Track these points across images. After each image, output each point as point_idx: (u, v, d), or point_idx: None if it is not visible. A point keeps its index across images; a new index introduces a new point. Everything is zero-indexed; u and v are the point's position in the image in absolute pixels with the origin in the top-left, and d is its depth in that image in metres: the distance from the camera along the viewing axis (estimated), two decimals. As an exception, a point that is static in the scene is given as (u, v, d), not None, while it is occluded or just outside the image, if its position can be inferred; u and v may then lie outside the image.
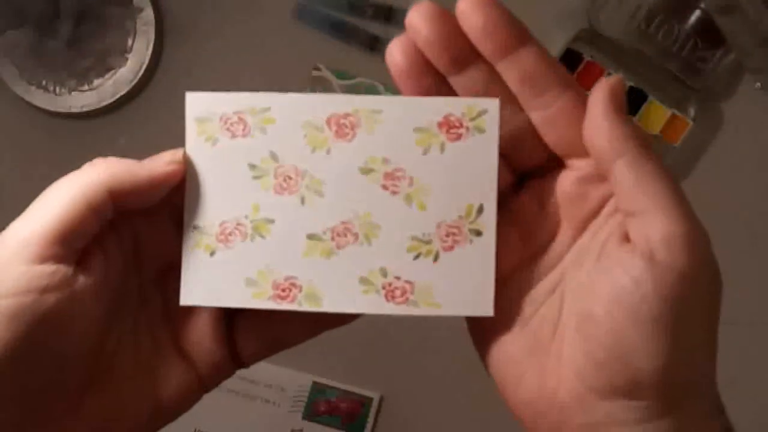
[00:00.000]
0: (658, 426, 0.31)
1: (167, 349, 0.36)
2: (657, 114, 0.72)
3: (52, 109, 0.77)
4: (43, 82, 0.77)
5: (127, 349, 0.36)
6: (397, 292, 0.34)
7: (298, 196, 0.34)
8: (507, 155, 0.35)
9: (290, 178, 0.34)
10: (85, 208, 0.33)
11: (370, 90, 0.71)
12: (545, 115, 0.34)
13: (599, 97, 0.33)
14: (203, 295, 0.35)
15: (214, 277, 0.35)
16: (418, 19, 0.34)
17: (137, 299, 0.36)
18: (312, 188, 0.34)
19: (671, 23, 0.71)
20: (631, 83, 0.71)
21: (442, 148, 0.34)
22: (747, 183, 0.74)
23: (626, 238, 0.32)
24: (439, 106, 0.34)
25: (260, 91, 0.35)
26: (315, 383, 0.75)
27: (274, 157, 0.34)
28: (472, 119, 0.34)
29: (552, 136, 0.35)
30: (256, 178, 0.34)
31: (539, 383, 0.33)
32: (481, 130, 0.34)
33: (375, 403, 0.76)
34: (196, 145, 0.35)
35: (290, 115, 0.34)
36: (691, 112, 0.73)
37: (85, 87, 0.77)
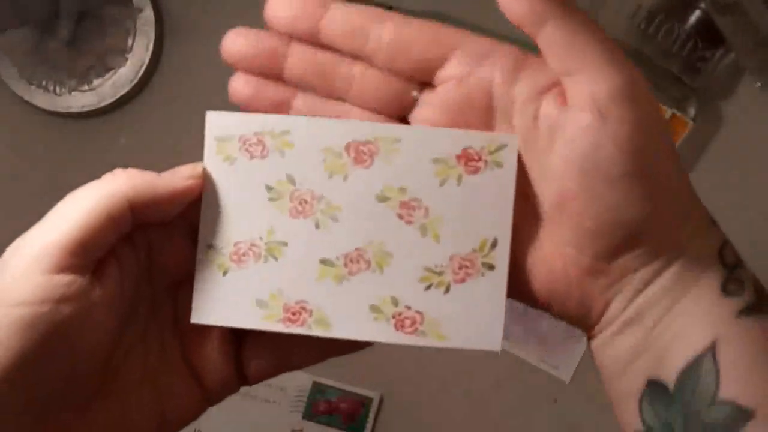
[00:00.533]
0: (668, 258, 0.33)
1: (174, 362, 0.36)
2: (657, 114, 0.72)
3: (52, 109, 0.77)
4: (43, 82, 0.77)
5: (135, 359, 0.35)
6: (407, 322, 0.34)
7: (313, 220, 0.34)
8: (379, 110, 0.36)
9: (306, 202, 0.34)
10: (105, 218, 0.32)
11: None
12: (387, 53, 0.34)
13: None
14: (214, 315, 0.35)
15: (225, 296, 0.35)
16: (234, 45, 0.36)
17: (148, 310, 0.36)
18: (327, 213, 0.34)
19: (671, 23, 0.72)
20: (631, 83, 0.71)
21: (459, 181, 0.34)
22: (747, 183, 0.74)
23: (561, 102, 0.33)
24: (459, 138, 0.34)
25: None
26: (315, 383, 0.75)
27: (291, 180, 0.34)
28: (491, 153, 0.34)
29: (405, 67, 0.35)
30: (272, 200, 0.35)
31: (548, 269, 0.34)
32: (499, 165, 0.34)
33: (375, 403, 0.76)
34: (214, 164, 0.35)
35: (309, 140, 0.34)
36: (691, 112, 0.73)
37: (85, 87, 0.77)
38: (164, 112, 0.76)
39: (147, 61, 0.76)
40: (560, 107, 0.33)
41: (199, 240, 0.35)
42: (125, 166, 0.36)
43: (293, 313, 0.34)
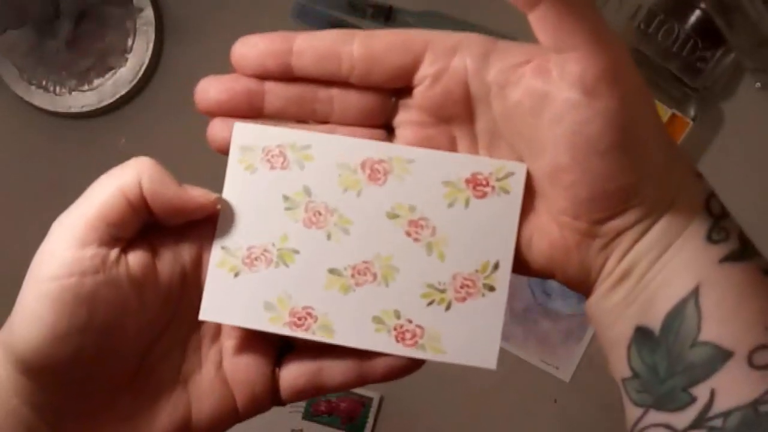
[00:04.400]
0: (657, 213, 0.34)
1: (211, 371, 0.37)
2: (657, 114, 0.72)
3: (52, 109, 0.77)
4: (43, 82, 0.77)
5: (172, 362, 0.36)
6: (407, 335, 0.36)
7: (325, 231, 0.36)
8: (364, 123, 0.37)
9: (320, 213, 0.36)
10: (120, 195, 0.34)
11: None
12: (361, 69, 0.35)
13: None
14: (222, 313, 0.36)
15: (235, 297, 0.36)
16: (208, 93, 0.36)
17: (192, 318, 0.37)
18: (339, 226, 0.36)
19: (671, 23, 0.72)
20: (631, 83, 0.71)
21: (467, 203, 0.36)
22: (747, 183, 0.74)
23: (541, 74, 0.33)
24: (469, 163, 0.36)
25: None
26: (315, 383, 0.75)
27: (307, 191, 0.36)
28: (499, 180, 0.36)
29: (381, 79, 0.36)
30: (288, 209, 0.36)
31: (547, 238, 0.35)
32: (506, 191, 0.35)
33: (375, 403, 0.76)
34: (236, 171, 0.36)
35: (328, 155, 0.36)
36: (691, 112, 0.73)
37: (85, 87, 0.77)
38: (164, 112, 0.76)
39: (147, 61, 0.76)
40: (545, 79, 0.33)
41: (214, 241, 0.36)
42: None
43: (299, 318, 0.36)
